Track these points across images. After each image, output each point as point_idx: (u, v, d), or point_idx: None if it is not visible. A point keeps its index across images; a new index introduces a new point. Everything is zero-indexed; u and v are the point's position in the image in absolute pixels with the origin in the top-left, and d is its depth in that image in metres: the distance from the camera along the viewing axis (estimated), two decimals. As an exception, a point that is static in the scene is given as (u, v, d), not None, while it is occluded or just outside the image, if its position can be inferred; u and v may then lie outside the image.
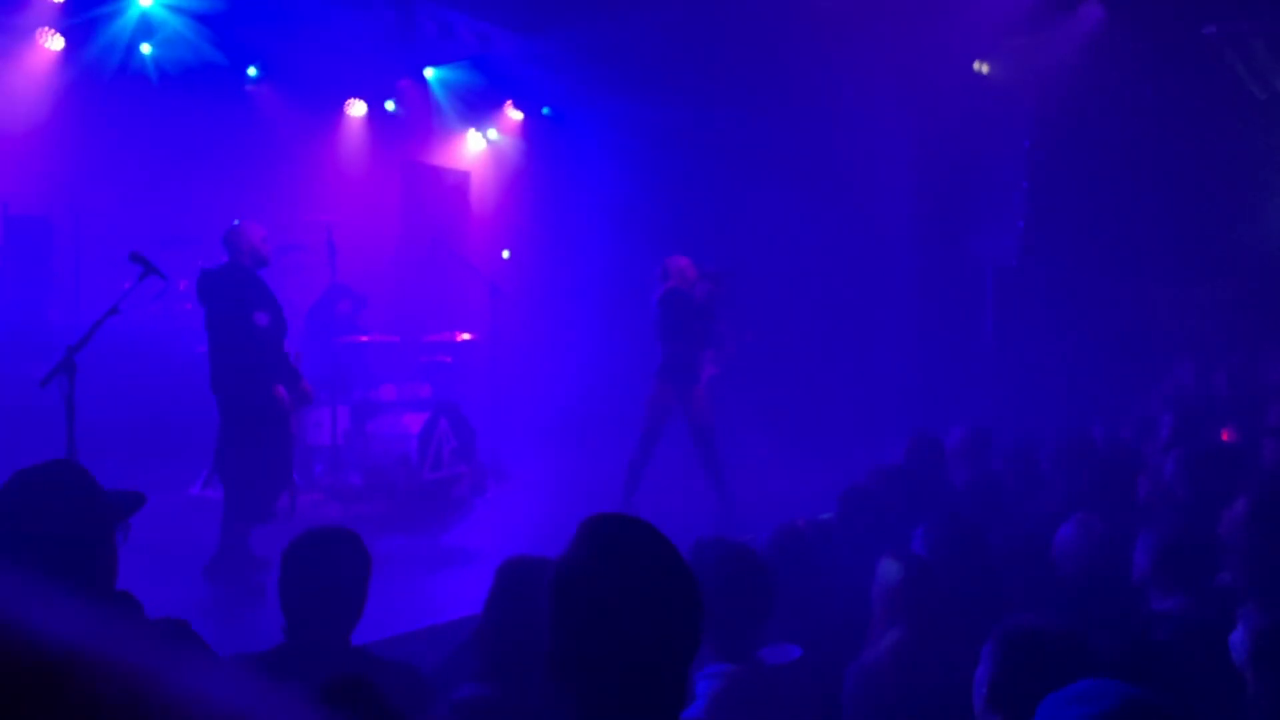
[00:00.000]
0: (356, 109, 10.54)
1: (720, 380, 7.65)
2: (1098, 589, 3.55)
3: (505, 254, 11.22)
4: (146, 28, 8.35)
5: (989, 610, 2.95)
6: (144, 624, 2.37)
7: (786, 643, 2.89)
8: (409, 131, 10.89)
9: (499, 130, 11.76)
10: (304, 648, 2.59)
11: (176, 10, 8.32)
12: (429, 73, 10.18)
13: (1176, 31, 9.98)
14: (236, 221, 5.78)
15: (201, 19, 8.45)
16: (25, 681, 0.47)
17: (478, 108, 11.33)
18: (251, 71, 9.51)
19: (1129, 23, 10.00)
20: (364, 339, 8.39)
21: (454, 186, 11.82)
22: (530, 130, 11.80)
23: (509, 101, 11.43)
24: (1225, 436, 6.82)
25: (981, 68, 11.27)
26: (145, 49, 8.54)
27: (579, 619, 1.58)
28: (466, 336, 9.27)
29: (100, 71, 8.37)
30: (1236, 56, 10.58)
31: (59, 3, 8.06)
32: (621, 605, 1.56)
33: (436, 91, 10.55)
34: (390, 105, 10.55)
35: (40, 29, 8.19)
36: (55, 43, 8.28)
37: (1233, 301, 11.14)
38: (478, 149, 11.83)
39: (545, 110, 11.56)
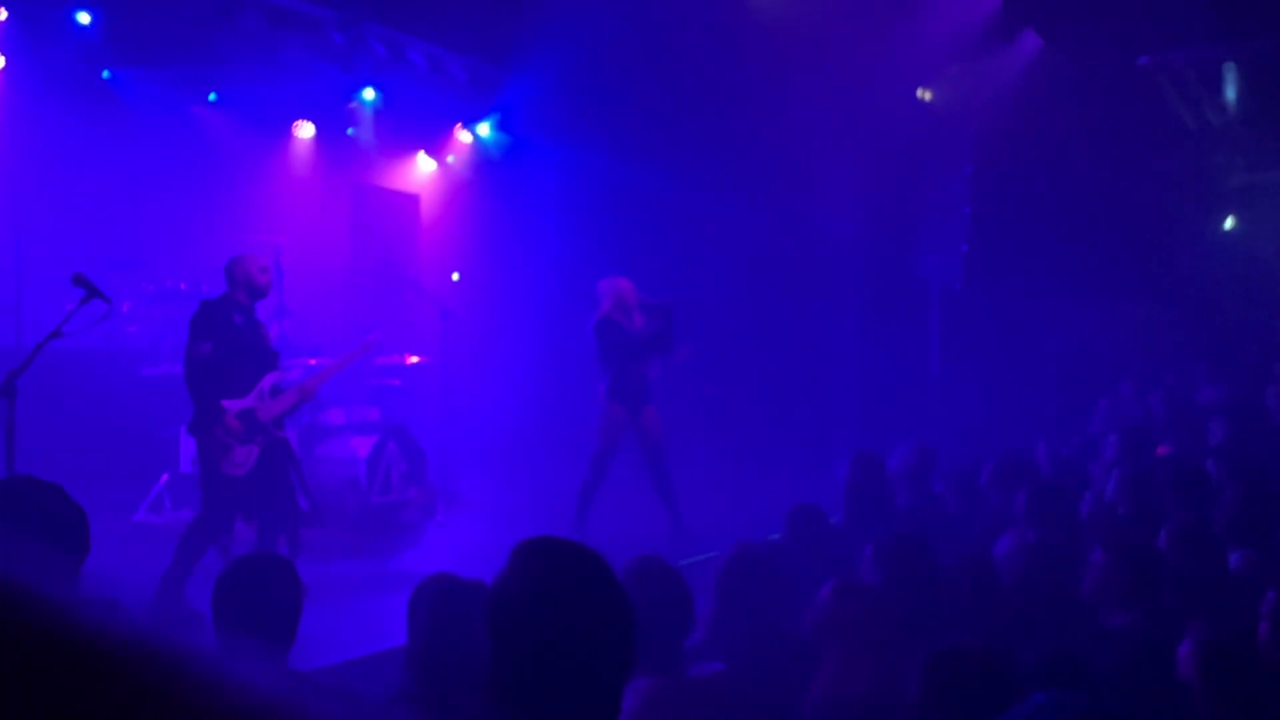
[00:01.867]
0: (305, 130, 10.48)
1: (668, 399, 7.66)
2: (1039, 606, 3.62)
3: (455, 276, 11.20)
4: (91, 48, 8.25)
5: (939, 629, 3.00)
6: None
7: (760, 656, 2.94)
8: (358, 153, 10.85)
9: (450, 152, 11.75)
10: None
11: (122, 31, 8.22)
12: (370, 95, 10.14)
13: (1112, 62, 10.27)
14: (238, 252, 5.80)
15: (147, 39, 8.37)
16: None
17: (427, 130, 11.32)
18: (210, 97, 9.44)
19: (1066, 53, 10.28)
20: (312, 362, 8.33)
21: (403, 208, 11.79)
22: (480, 153, 11.81)
23: (459, 124, 11.44)
24: (1161, 451, 6.99)
25: (924, 95, 11.50)
26: (90, 69, 8.44)
27: (516, 642, 1.61)
28: (416, 359, 9.23)
29: (43, 92, 8.25)
30: (1170, 87, 10.91)
31: (0, 21, 7.94)
32: (556, 627, 1.59)
33: (386, 114, 10.51)
34: (350, 131, 10.49)
35: (-19, 48, 8.07)
36: (-3, 62, 8.16)
37: (1167, 323, 11.44)
38: (428, 171, 11.81)
39: (489, 130, 11.53)
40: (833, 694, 2.80)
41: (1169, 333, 11.30)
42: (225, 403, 5.41)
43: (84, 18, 7.98)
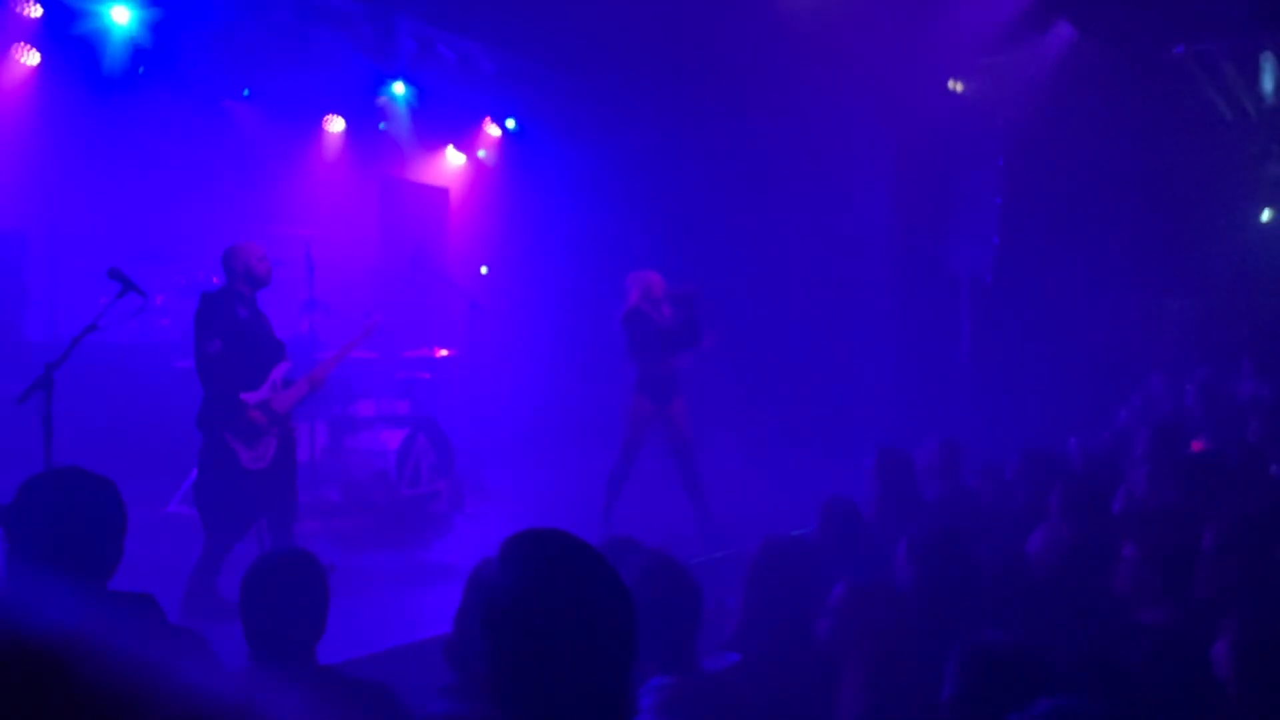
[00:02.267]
0: (335, 125, 10.54)
1: (696, 392, 7.64)
2: (1073, 601, 3.59)
3: (484, 269, 11.23)
4: (124, 44, 8.33)
5: (973, 625, 2.97)
6: (166, 627, 2.50)
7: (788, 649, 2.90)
8: (388, 147, 10.90)
9: (479, 146, 11.78)
10: (269, 669, 2.64)
11: (154, 27, 8.29)
12: (400, 89, 10.19)
13: (1147, 51, 10.14)
14: (235, 241, 5.69)
15: (179, 35, 8.43)
16: (49, 673, 0.49)
17: (456, 124, 11.35)
18: (244, 93, 9.49)
19: (1100, 42, 10.15)
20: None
21: (432, 202, 11.83)
22: (509, 146, 11.83)
23: (487, 118, 11.46)
24: (1196, 447, 6.90)
25: (956, 86, 11.40)
26: (123, 65, 8.51)
27: (512, 642, 1.56)
28: (445, 352, 9.26)
29: (77, 87, 8.34)
30: (1205, 76, 10.75)
31: (35, 18, 8.03)
32: (551, 621, 1.54)
33: (415, 108, 10.55)
34: (383, 125, 10.53)
35: (16, 44, 8.16)
36: (32, 58, 8.25)
37: (1201, 315, 11.29)
38: (457, 165, 11.85)
39: (511, 123, 11.54)
40: (862, 707, 2.75)
41: (1203, 326, 11.16)
42: (244, 396, 5.41)
43: (119, 14, 8.05)
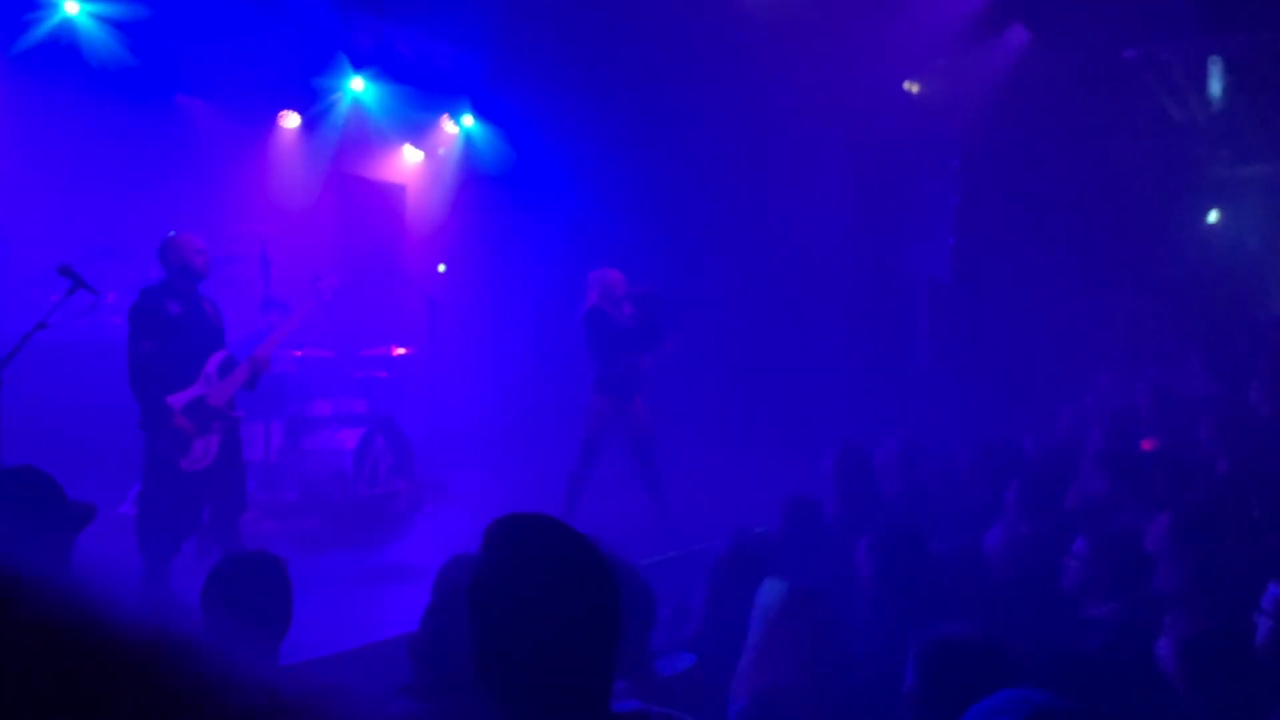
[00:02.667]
0: (290, 121, 10.41)
1: (656, 391, 7.66)
2: (1029, 596, 3.64)
3: (441, 267, 11.16)
4: (73, 36, 8.18)
5: (933, 618, 3.00)
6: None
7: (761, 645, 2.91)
8: (344, 144, 10.79)
9: (436, 143, 11.71)
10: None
11: (104, 19, 8.16)
12: (360, 85, 10.10)
13: (1099, 55, 10.30)
14: (171, 234, 5.49)
15: (130, 28, 8.30)
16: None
17: (414, 121, 11.27)
18: (196, 87, 9.33)
19: (1053, 46, 10.30)
20: (298, 353, 8.29)
21: (390, 199, 11.73)
22: (466, 144, 11.76)
23: (445, 115, 11.39)
24: (1146, 446, 7.02)
25: (911, 88, 11.51)
26: (72, 56, 8.37)
27: (498, 624, 1.57)
28: (402, 351, 9.20)
29: (24, 79, 8.18)
30: (1155, 80, 10.95)
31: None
32: (537, 604, 1.55)
33: (372, 104, 10.47)
34: (337, 120, 10.42)
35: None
36: (-21, 50, 8.08)
37: (1152, 315, 11.50)
38: (414, 162, 11.76)
39: (469, 120, 11.46)
40: (745, 696, 2.75)
41: (1155, 325, 11.36)
42: (170, 399, 5.24)
43: (70, 7, 7.91)
